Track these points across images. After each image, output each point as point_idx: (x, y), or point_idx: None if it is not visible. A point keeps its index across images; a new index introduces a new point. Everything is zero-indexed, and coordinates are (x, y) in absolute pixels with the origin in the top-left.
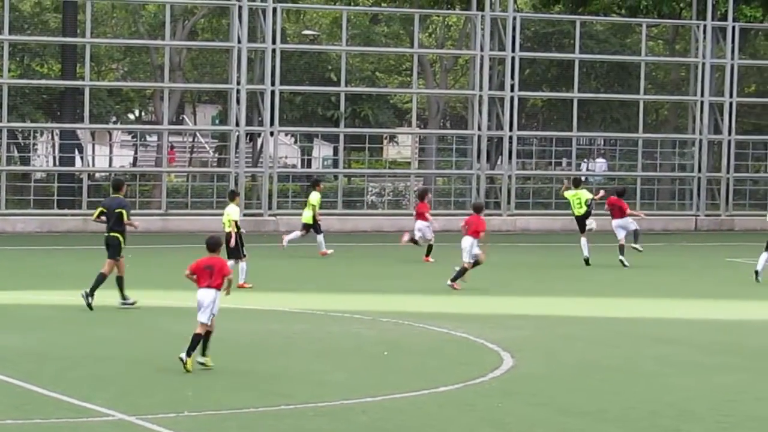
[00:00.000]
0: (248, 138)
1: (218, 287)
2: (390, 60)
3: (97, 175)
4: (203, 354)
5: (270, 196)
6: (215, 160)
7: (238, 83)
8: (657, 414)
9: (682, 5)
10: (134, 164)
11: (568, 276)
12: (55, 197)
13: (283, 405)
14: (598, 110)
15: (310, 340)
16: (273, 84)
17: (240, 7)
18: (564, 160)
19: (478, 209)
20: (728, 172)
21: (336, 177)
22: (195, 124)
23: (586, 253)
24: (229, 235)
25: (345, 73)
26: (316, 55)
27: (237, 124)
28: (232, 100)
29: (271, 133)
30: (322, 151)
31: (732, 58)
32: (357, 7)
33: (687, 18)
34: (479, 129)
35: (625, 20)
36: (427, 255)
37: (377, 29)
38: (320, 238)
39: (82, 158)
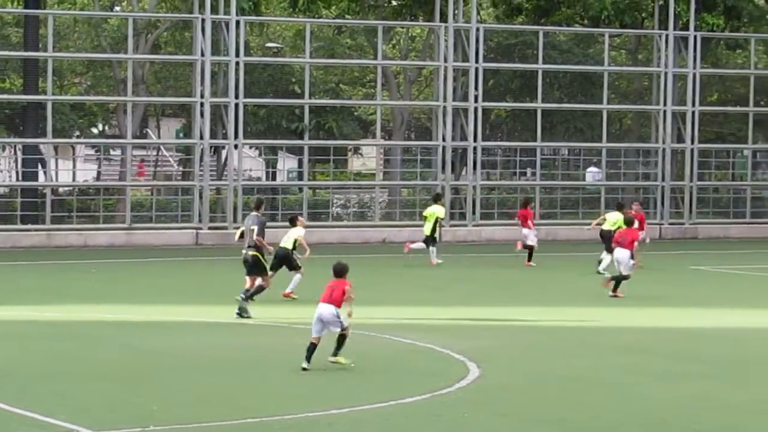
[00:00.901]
0: (212, 151)
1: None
2: (354, 72)
3: (61, 189)
4: (335, 354)
5: (235, 209)
6: (179, 173)
7: (202, 96)
8: (623, 423)
9: (644, 15)
10: (98, 178)
11: (533, 286)
12: (18, 212)
13: (249, 418)
14: (561, 120)
15: (275, 352)
16: (237, 97)
17: (203, 20)
18: (528, 170)
19: (630, 223)
20: (691, 181)
21: (301, 189)
22: (159, 137)
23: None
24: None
25: (309, 85)
26: (279, 68)
27: (201, 138)
28: (195, 113)
29: (236, 146)
30: (286, 163)
31: (694, 67)
32: (320, 20)
33: (649, 28)
34: (444, 140)
35: (588, 30)
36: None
37: (341, 41)
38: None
39: (45, 173)
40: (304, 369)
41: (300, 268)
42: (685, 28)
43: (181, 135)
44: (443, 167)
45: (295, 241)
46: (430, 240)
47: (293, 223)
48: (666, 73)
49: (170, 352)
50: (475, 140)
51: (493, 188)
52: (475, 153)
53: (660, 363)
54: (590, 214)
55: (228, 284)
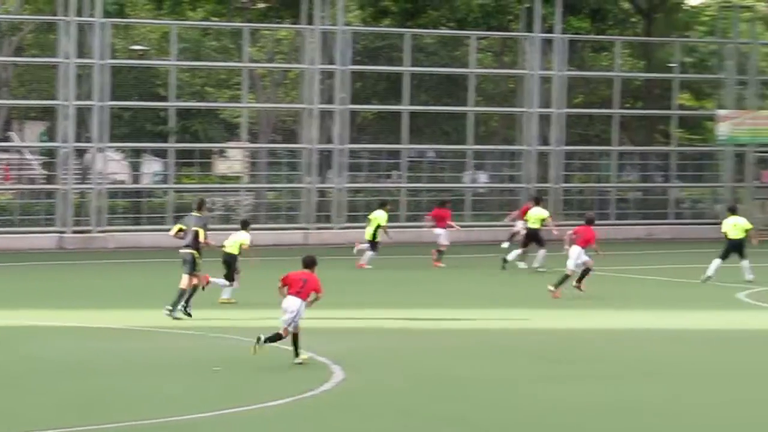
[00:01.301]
0: (77, 154)
1: (305, 298)
2: (220, 74)
3: None
4: (297, 354)
5: (99, 212)
6: (44, 177)
7: (66, 99)
8: (495, 422)
9: (510, 18)
10: None
11: (398, 287)
12: None
13: (113, 423)
14: (427, 123)
15: (141, 356)
16: (102, 100)
17: (68, 23)
18: (394, 173)
19: (590, 221)
20: (557, 183)
21: (166, 192)
22: (23, 140)
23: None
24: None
25: (174, 88)
26: (145, 71)
27: (65, 141)
28: (60, 116)
29: (100, 149)
30: (152, 166)
31: (559, 70)
32: (186, 22)
33: (515, 30)
34: (310, 143)
35: (454, 33)
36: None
37: (207, 44)
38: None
39: None
40: (258, 341)
41: (238, 273)
42: (551, 30)
43: (45, 138)
44: (310, 170)
45: (241, 245)
46: (372, 245)
47: (245, 226)
48: (532, 76)
49: (36, 357)
50: (341, 143)
51: (359, 191)
52: (341, 155)
53: (534, 364)
54: (468, 216)
55: (92, 288)
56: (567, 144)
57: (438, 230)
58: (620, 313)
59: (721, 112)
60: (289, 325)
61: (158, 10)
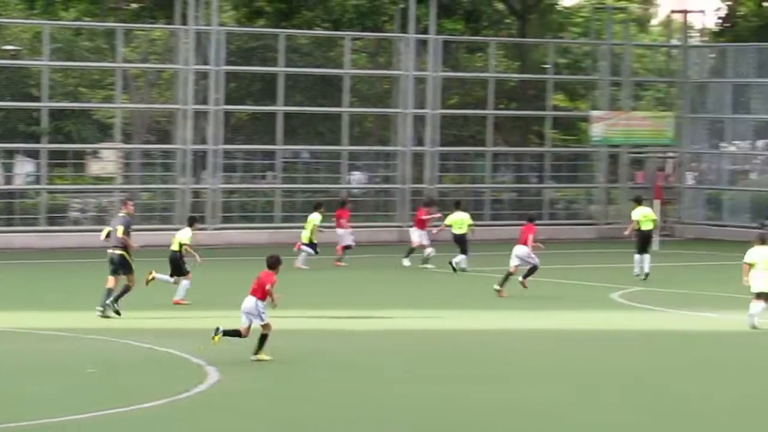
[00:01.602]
0: None
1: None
2: (93, 75)
3: None
4: (255, 352)
5: None
6: None
7: None
8: (370, 422)
9: (385, 19)
10: None
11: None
12: None
13: None
14: (302, 123)
15: (14, 358)
16: None
17: None
18: (269, 174)
19: (531, 219)
20: (431, 183)
21: (38, 193)
22: None
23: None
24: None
25: (47, 88)
26: (17, 71)
27: None
28: None
29: None
30: (24, 167)
31: (434, 71)
32: (59, 22)
33: (390, 31)
34: (184, 143)
35: (329, 34)
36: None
37: (80, 44)
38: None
39: None
40: (216, 331)
41: (188, 273)
42: (426, 31)
43: None
44: (184, 170)
45: (182, 244)
46: (311, 246)
47: (191, 223)
48: (406, 77)
49: None
50: (215, 143)
51: (233, 191)
52: (215, 156)
53: (412, 365)
54: (353, 217)
55: None
56: (442, 145)
57: (339, 230)
58: (493, 314)
59: (595, 113)
60: (248, 324)
61: (30, 9)
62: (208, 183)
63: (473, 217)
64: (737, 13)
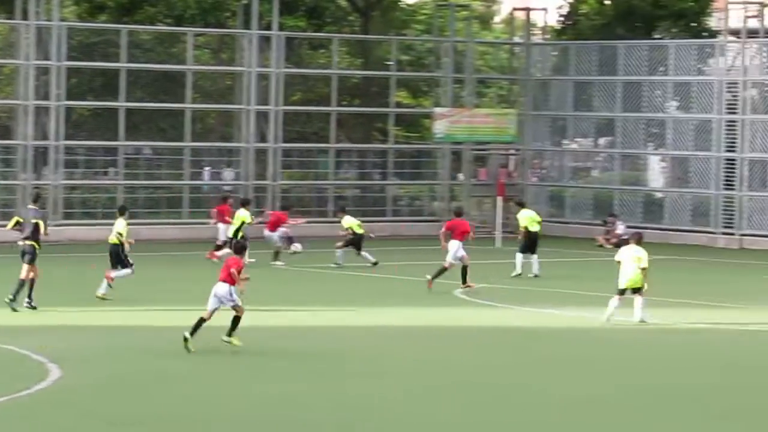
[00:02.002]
0: None
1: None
2: None
3: None
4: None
5: None
6: None
7: None
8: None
9: (227, 15)
10: None
11: (141, 285)
12: None
13: None
14: (144, 120)
15: None
16: None
17: None
18: (111, 170)
19: (459, 213)
20: (274, 180)
21: None
22: None
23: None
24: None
25: None
26: None
27: None
28: None
29: None
30: None
31: (277, 68)
32: None
33: (233, 27)
34: (25, 139)
35: (172, 29)
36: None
37: None
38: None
39: None
40: (185, 339)
41: (129, 265)
42: (269, 28)
43: None
44: (25, 166)
45: (118, 234)
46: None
47: (122, 212)
48: (249, 73)
49: None
50: (56, 139)
51: (75, 187)
52: (56, 152)
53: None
54: (185, 214)
55: None
56: (285, 141)
57: (221, 226)
58: (336, 311)
59: (438, 110)
60: (213, 308)
61: None
62: (50, 179)
63: (317, 213)
64: (579, 12)
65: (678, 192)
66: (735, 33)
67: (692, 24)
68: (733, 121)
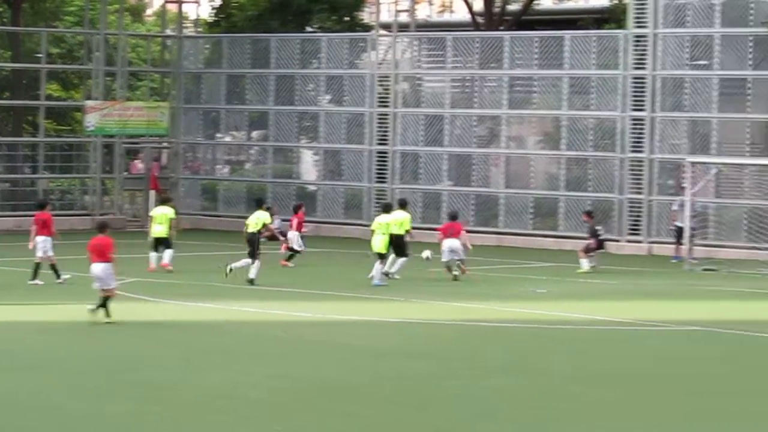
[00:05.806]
0: None
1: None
2: None
3: None
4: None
5: None
6: None
7: None
8: None
9: None
10: None
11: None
12: None
13: None
14: None
15: None
16: None
17: None
18: None
19: (454, 217)
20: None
21: None
22: None
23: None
24: None
25: None
26: None
27: None
28: None
29: None
30: None
31: None
32: None
33: None
34: None
35: None
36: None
37: None
38: None
39: None
40: (92, 310)
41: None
42: None
43: None
44: None
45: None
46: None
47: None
48: None
49: None
50: None
51: None
52: None
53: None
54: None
55: None
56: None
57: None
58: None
59: (90, 102)
60: (102, 289)
61: None
62: None
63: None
64: (232, 4)
65: (331, 185)
66: (387, 27)
67: (346, 18)
68: (385, 114)
